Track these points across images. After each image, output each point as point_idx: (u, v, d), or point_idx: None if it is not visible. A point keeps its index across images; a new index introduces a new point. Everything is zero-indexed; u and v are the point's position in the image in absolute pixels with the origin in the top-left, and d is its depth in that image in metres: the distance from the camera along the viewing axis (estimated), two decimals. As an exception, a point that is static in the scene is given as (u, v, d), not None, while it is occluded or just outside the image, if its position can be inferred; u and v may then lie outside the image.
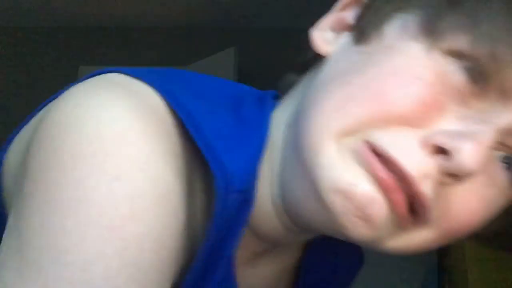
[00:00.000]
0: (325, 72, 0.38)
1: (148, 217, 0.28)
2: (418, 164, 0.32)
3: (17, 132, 0.36)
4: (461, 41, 0.33)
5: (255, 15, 3.34)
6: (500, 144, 0.34)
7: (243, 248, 0.37)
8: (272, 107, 0.41)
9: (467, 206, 0.34)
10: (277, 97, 0.44)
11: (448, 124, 0.33)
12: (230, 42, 3.26)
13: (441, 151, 0.32)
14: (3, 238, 0.28)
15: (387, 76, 0.33)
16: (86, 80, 0.34)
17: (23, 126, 0.36)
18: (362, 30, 0.37)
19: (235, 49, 2.87)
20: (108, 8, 3.25)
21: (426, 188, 0.32)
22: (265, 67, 3.48)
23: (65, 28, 3.47)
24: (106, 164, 0.27)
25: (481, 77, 0.33)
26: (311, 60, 0.40)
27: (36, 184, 0.28)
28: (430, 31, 0.34)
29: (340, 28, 0.39)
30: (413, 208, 0.33)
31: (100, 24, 3.45)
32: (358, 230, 0.33)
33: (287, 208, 0.38)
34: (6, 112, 3.30)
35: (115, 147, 0.28)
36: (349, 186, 0.33)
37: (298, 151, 0.36)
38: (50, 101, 0.34)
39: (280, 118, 0.40)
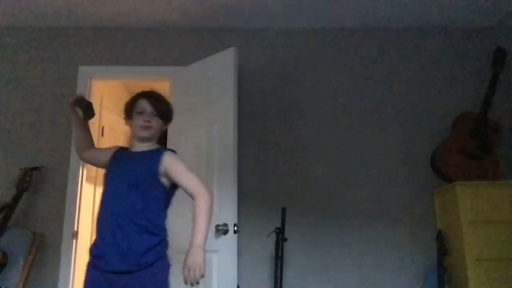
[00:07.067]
0: None
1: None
2: None
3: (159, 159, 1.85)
4: None
5: (255, 15, 3.35)
6: None
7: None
8: None
9: None
10: None
11: None
12: (230, 42, 3.27)
13: None
14: (184, 170, 1.85)
15: None
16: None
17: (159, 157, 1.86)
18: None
19: (235, 49, 2.87)
20: (108, 8, 3.26)
21: None
22: (265, 67, 3.49)
23: (65, 28, 3.47)
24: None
25: None
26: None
27: (182, 164, 1.86)
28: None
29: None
30: None
31: (100, 24, 3.45)
32: None
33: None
34: (7, 110, 3.33)
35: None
36: None
37: None
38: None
39: None
